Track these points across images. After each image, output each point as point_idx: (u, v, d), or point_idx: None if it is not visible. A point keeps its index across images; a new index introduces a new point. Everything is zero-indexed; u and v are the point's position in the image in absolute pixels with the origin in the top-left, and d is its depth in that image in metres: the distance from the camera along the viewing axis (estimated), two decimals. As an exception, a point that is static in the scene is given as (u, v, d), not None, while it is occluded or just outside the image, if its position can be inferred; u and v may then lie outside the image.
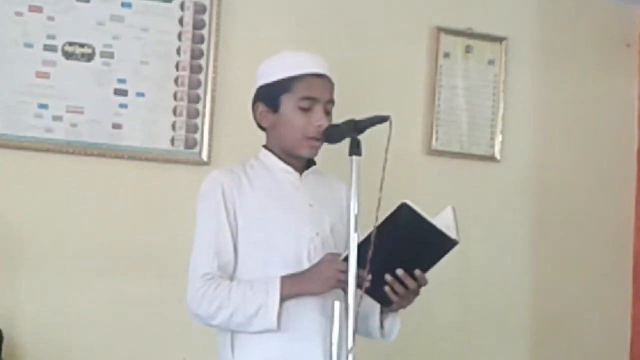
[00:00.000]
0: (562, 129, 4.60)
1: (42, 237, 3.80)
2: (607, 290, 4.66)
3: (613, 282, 4.68)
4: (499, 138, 4.48)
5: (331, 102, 3.05)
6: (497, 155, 4.50)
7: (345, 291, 2.66)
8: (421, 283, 2.87)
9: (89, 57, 3.87)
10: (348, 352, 2.60)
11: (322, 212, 3.07)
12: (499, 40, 4.47)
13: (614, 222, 4.68)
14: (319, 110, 3.01)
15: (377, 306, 3.00)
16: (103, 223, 3.88)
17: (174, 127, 3.98)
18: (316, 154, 3.08)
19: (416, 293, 2.90)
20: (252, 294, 2.91)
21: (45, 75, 3.80)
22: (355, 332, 2.63)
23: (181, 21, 3.99)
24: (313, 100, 3.01)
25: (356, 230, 2.67)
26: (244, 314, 2.91)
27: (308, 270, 2.94)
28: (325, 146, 3.01)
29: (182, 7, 3.99)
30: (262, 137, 3.16)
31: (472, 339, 4.36)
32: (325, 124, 2.98)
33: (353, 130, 2.77)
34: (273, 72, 3.08)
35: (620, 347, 4.68)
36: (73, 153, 3.83)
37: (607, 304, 4.66)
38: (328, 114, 3.03)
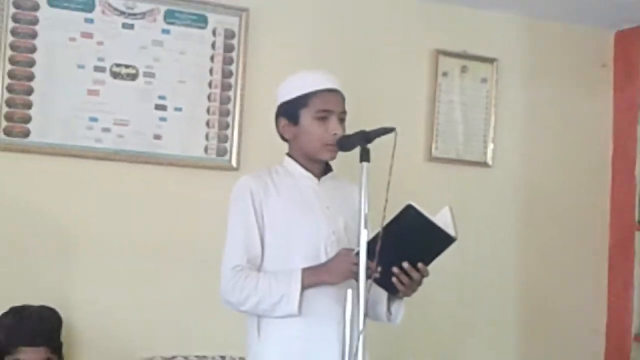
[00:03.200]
0: (546, 138, 4.59)
1: (93, 233, 3.79)
2: (586, 282, 4.64)
3: (591, 275, 4.66)
4: (490, 146, 4.47)
5: (344, 112, 3.05)
6: (489, 161, 4.49)
7: (357, 281, 2.68)
8: (423, 274, 2.87)
9: (133, 77, 3.85)
10: (359, 334, 2.61)
11: (337, 213, 3.06)
12: (491, 61, 4.48)
13: (591, 221, 4.66)
14: (333, 120, 3.00)
15: (385, 294, 2.99)
16: (145, 221, 3.87)
17: (207, 137, 3.96)
18: (334, 157, 3.06)
19: (419, 283, 2.89)
20: (276, 284, 2.91)
21: (95, 93, 3.79)
22: (365, 316, 2.63)
23: (213, 45, 3.97)
24: (328, 111, 2.99)
25: (366, 227, 2.66)
26: (269, 301, 2.91)
27: (325, 263, 2.94)
28: (340, 153, 3.00)
29: (213, 33, 3.97)
30: (283, 144, 3.15)
31: (466, 327, 4.35)
32: (339, 131, 2.98)
33: (363, 140, 2.78)
34: (292, 89, 3.07)
35: (598, 332, 4.66)
36: (119, 160, 3.83)
37: (585, 294, 4.64)
38: (342, 121, 3.04)
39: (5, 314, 3.40)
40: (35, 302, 3.47)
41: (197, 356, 3.83)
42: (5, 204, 3.68)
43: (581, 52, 4.66)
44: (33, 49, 3.72)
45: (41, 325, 3.40)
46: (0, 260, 3.66)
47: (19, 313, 3.40)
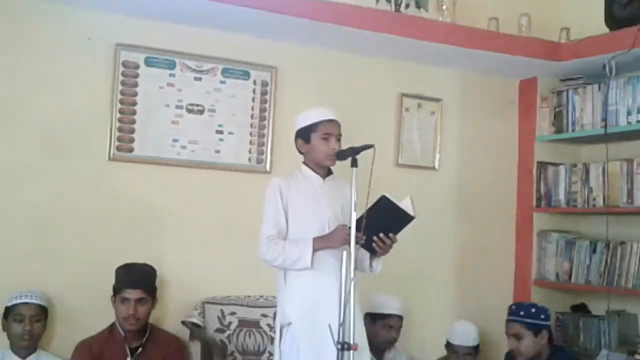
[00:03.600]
0: (474, 151, 4.56)
1: (176, 217, 3.80)
2: (501, 246, 4.62)
3: (504, 241, 4.64)
4: (437, 156, 4.45)
5: (340, 134, 3.10)
6: (436, 167, 4.46)
7: (349, 245, 2.74)
8: (393, 241, 2.96)
9: (201, 112, 3.86)
10: (350, 280, 2.68)
11: (335, 201, 3.11)
12: (437, 100, 4.45)
13: (504, 205, 4.64)
14: (333, 140, 3.07)
15: (367, 254, 3.05)
16: (210, 208, 3.86)
17: (249, 151, 3.97)
18: (334, 164, 3.11)
19: (390, 246, 2.98)
20: (296, 248, 2.98)
21: (176, 123, 3.82)
22: (355, 268, 2.71)
23: (254, 91, 3.97)
24: (329, 134, 3.06)
25: (355, 210, 2.76)
26: (291, 260, 2.97)
27: (328, 234, 3.01)
28: (337, 162, 3.07)
29: (254, 82, 3.96)
30: (299, 156, 3.20)
31: (421, 273, 4.34)
32: (337, 147, 3.06)
33: (353, 153, 2.86)
34: (306, 119, 3.13)
35: (509, 279, 4.65)
36: (192, 167, 3.85)
37: (500, 254, 4.62)
38: (338, 141, 3.09)
39: (119, 267, 3.43)
40: (140, 259, 3.50)
41: (244, 295, 3.85)
42: (117, 197, 3.70)
43: (497, 94, 4.65)
44: (135, 94, 3.74)
45: (139, 275, 3.43)
46: (118, 235, 3.65)
47: (126, 267, 3.44)
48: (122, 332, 3.38)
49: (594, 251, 4.30)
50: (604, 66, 4.08)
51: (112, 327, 3.42)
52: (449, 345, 4.03)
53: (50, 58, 3.58)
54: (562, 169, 4.51)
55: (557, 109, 4.49)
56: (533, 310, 3.57)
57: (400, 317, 3.85)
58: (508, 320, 3.62)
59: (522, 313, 3.55)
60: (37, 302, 3.30)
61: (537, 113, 4.59)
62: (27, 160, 3.52)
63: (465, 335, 4.00)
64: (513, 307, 3.70)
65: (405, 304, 3.90)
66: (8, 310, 3.26)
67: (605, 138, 4.15)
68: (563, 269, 4.45)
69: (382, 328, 3.76)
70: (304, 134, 3.12)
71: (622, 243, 4.14)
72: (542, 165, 4.59)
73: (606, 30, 4.08)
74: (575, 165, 4.46)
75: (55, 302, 3.48)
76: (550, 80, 4.58)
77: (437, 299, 4.45)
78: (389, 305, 3.80)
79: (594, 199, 4.29)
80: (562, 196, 4.48)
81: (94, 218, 3.63)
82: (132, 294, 3.34)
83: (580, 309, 4.45)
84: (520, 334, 3.51)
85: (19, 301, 3.26)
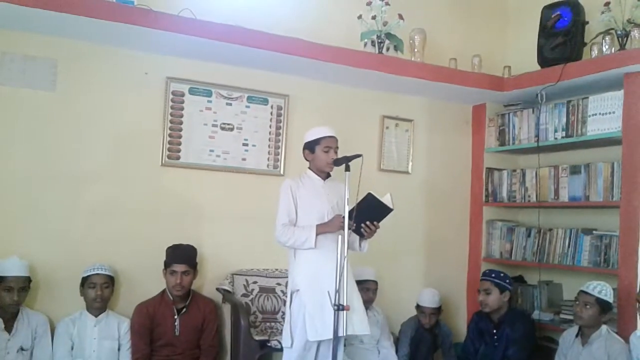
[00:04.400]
0: (438, 160, 4.54)
1: (212, 208, 3.78)
2: (458, 231, 4.60)
3: (461, 227, 4.62)
4: (410, 164, 4.43)
5: (337, 147, 3.10)
6: (410, 171, 4.43)
7: (344, 230, 2.74)
8: (377, 228, 2.97)
9: (231, 129, 3.84)
10: (344, 258, 2.69)
11: (333, 197, 3.10)
12: (410, 121, 4.41)
13: (461, 201, 4.61)
14: (332, 152, 3.08)
15: (357, 237, 3.05)
16: (239, 202, 3.84)
17: (268, 159, 3.94)
18: (332, 170, 3.12)
19: (375, 232, 2.99)
20: (303, 232, 2.98)
21: (212, 137, 3.80)
22: (348, 248, 2.72)
23: (271, 113, 3.95)
24: (329, 147, 3.07)
25: (348, 205, 2.80)
26: (300, 241, 2.97)
27: (328, 222, 3.01)
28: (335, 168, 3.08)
29: (271, 107, 3.93)
30: (306, 163, 3.21)
31: (398, 251, 4.32)
32: (335, 157, 3.06)
33: (346, 160, 2.90)
34: (311, 135, 3.13)
35: (464, 256, 4.63)
36: (225, 171, 3.83)
37: (458, 237, 4.60)
38: (336, 152, 3.09)
39: (168, 247, 3.43)
40: (185, 241, 3.51)
41: (263, 268, 3.85)
42: (167, 194, 3.69)
43: (455, 116, 4.62)
44: (181, 115, 3.73)
45: (185, 252, 3.43)
46: (167, 223, 3.64)
47: (175, 246, 3.44)
48: (171, 297, 3.38)
49: (529, 235, 4.30)
50: (537, 95, 4.10)
51: (163, 293, 3.42)
52: (418, 307, 4.03)
53: (117, 88, 3.58)
54: (504, 173, 4.50)
55: (501, 128, 4.48)
56: (502, 275, 3.65)
57: (375, 282, 3.84)
58: (482, 279, 3.68)
59: (493, 275, 3.63)
60: (107, 272, 3.31)
61: (486, 130, 4.58)
62: (96, 167, 3.53)
63: (431, 298, 4.00)
64: (487, 270, 3.78)
65: (383, 273, 3.89)
66: (84, 280, 3.28)
67: (538, 150, 4.17)
68: (505, 249, 4.45)
69: (361, 291, 3.72)
70: (310, 146, 3.13)
71: (550, 229, 4.14)
72: (490, 170, 4.57)
73: (538, 67, 4.10)
74: (515, 170, 4.45)
75: (120, 273, 3.50)
76: (496, 105, 4.57)
77: (409, 271, 4.43)
78: (365, 273, 3.77)
79: (529, 196, 4.29)
80: (505, 194, 4.47)
81: (149, 210, 3.62)
82: (179, 267, 3.33)
83: (518, 280, 4.44)
84: (489, 289, 3.58)
85: (92, 272, 3.27)
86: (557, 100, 4.07)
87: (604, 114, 3.72)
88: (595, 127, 3.77)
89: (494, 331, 3.61)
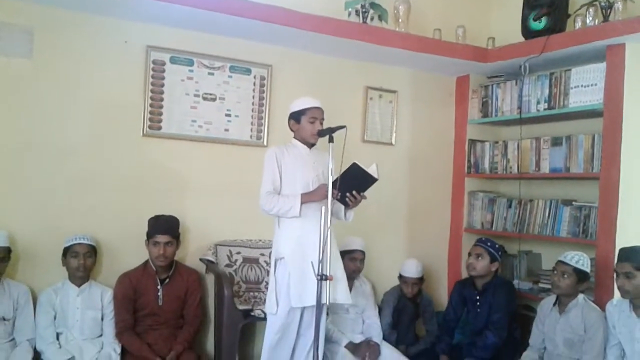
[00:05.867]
0: (421, 131, 4.55)
1: (195, 178, 3.78)
2: (440, 201, 4.65)
3: (443, 198, 4.67)
4: (394, 135, 4.45)
5: (323, 118, 3.10)
6: (393, 142, 4.43)
7: (328, 199, 2.75)
8: (362, 197, 2.99)
9: (213, 99, 3.81)
10: (329, 227, 2.71)
11: (318, 166, 3.11)
12: (394, 92, 4.42)
13: (443, 171, 4.65)
14: (317, 123, 3.08)
15: (342, 207, 3.07)
16: (221, 172, 3.84)
17: (251, 130, 3.92)
18: (316, 141, 3.12)
19: (359, 202, 3.01)
20: (288, 201, 2.98)
21: (195, 108, 3.77)
22: (332, 217, 2.74)
23: (254, 83, 3.91)
24: (315, 118, 3.08)
25: (332, 174, 2.79)
26: (284, 209, 2.98)
27: (312, 191, 3.02)
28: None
29: (254, 77, 3.90)
30: (290, 133, 3.21)
31: (380, 220, 4.36)
32: (320, 128, 3.06)
33: (330, 131, 2.88)
34: (297, 106, 3.12)
35: (446, 226, 4.70)
36: (207, 142, 3.81)
37: (440, 207, 4.66)
38: (321, 123, 3.09)
39: (151, 218, 3.42)
40: (168, 212, 3.50)
41: (247, 239, 3.86)
42: (149, 164, 3.67)
43: (439, 87, 4.63)
44: (162, 85, 3.69)
45: (167, 223, 3.41)
46: (149, 194, 3.64)
47: (157, 217, 3.43)
48: (154, 267, 3.39)
49: (510, 206, 4.37)
50: (520, 67, 4.13)
51: (146, 263, 3.43)
52: (400, 277, 4.09)
53: (95, 57, 3.53)
54: (487, 144, 4.54)
55: (484, 99, 4.51)
56: (496, 245, 3.71)
57: (362, 252, 3.87)
58: (477, 244, 3.72)
59: (488, 243, 3.69)
60: (88, 242, 3.31)
61: (469, 102, 4.59)
62: (76, 137, 3.49)
63: (413, 269, 4.05)
64: (484, 238, 3.83)
65: (367, 243, 3.92)
66: (66, 250, 3.27)
67: (520, 121, 4.20)
68: (487, 219, 4.51)
69: (349, 261, 3.78)
70: (295, 117, 3.12)
71: (531, 201, 4.21)
72: (472, 142, 4.61)
73: (522, 39, 4.11)
74: (497, 142, 4.50)
75: (102, 244, 3.50)
76: (479, 77, 4.59)
77: (392, 241, 4.47)
78: (353, 243, 3.81)
79: (511, 167, 4.34)
80: (487, 165, 4.53)
81: (131, 181, 3.60)
82: (161, 238, 3.32)
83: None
84: (481, 255, 3.63)
85: (74, 242, 3.26)
86: (540, 72, 4.10)
87: (586, 86, 3.76)
88: (578, 99, 3.81)
89: (477, 298, 3.67)
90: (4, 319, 3.06)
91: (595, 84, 3.71)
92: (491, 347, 3.51)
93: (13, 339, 3.09)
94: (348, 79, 4.27)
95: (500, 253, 3.69)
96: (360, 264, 3.87)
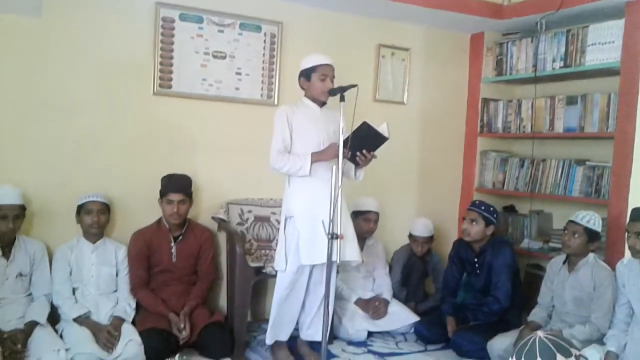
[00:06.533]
0: (435, 89, 4.52)
1: (206, 137, 3.79)
2: (452, 160, 4.65)
3: (455, 157, 4.67)
4: (405, 94, 4.41)
5: (334, 76, 3.08)
6: (405, 102, 4.40)
7: (338, 158, 2.74)
8: (372, 157, 3.00)
9: (224, 57, 3.79)
10: (339, 187, 2.71)
11: (328, 125, 3.10)
12: (406, 49, 4.37)
13: (456, 130, 4.64)
14: (328, 80, 3.06)
15: (352, 166, 3.09)
16: (233, 131, 3.84)
17: (262, 89, 3.90)
18: (327, 99, 3.10)
19: (370, 161, 3.02)
20: (298, 159, 3.00)
21: (205, 66, 3.75)
22: (342, 176, 2.74)
23: (264, 41, 3.88)
24: (326, 75, 3.06)
25: (342, 133, 2.75)
26: (295, 168, 3.01)
27: (323, 150, 3.04)
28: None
29: (264, 34, 3.87)
30: (300, 91, 3.20)
31: (391, 180, 4.37)
32: (331, 86, 3.05)
33: (341, 90, 2.83)
34: (308, 63, 3.10)
35: (457, 185, 4.70)
36: (218, 101, 3.79)
37: (452, 166, 4.65)
38: (332, 81, 3.07)
39: (164, 177, 3.45)
40: (180, 171, 3.53)
41: (258, 198, 3.89)
42: (160, 123, 3.68)
43: (453, 45, 4.58)
44: (172, 43, 3.67)
45: (181, 182, 3.45)
46: (161, 152, 3.66)
47: (170, 176, 3.46)
48: (167, 225, 3.44)
49: (522, 166, 4.35)
50: (536, 24, 4.05)
51: (159, 221, 3.48)
52: (411, 236, 4.13)
53: (104, 15, 3.51)
54: (500, 103, 4.50)
55: (498, 57, 4.45)
56: (491, 209, 3.62)
57: (377, 213, 3.91)
58: (470, 209, 3.65)
59: (482, 207, 3.61)
60: (102, 200, 3.35)
61: (483, 60, 4.54)
62: (87, 95, 3.50)
63: (423, 228, 4.10)
64: (477, 201, 3.75)
65: (380, 204, 3.95)
66: (80, 207, 3.32)
67: (535, 80, 4.15)
68: (498, 179, 4.51)
69: (362, 222, 3.83)
70: (306, 74, 3.10)
71: (544, 160, 4.19)
72: (486, 100, 4.57)
73: (539, -6, 4.02)
74: (510, 101, 4.45)
75: (116, 202, 3.54)
76: (494, 34, 4.52)
77: (403, 200, 4.50)
78: (367, 204, 3.86)
79: (524, 126, 4.31)
80: (499, 124, 4.50)
81: (142, 139, 3.63)
82: (175, 196, 3.36)
83: (510, 209, 4.55)
84: (475, 220, 3.58)
85: (88, 200, 3.31)
86: (557, 29, 4.02)
87: (604, 44, 3.69)
88: (594, 57, 3.74)
89: (475, 260, 3.66)
90: (21, 275, 3.14)
91: (613, 42, 3.63)
92: (498, 311, 3.51)
93: (30, 294, 3.16)
94: (360, 36, 4.23)
95: (495, 215, 3.61)
96: (374, 224, 3.91)
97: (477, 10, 4.15)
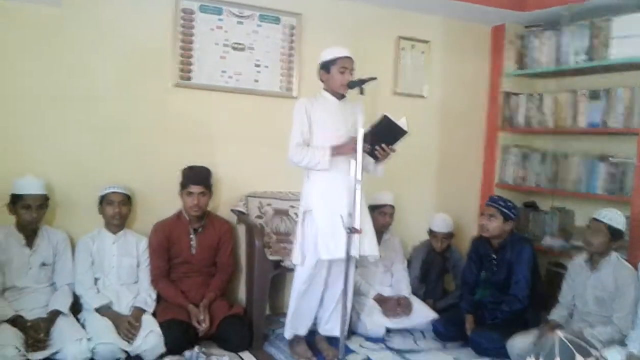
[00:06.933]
0: (455, 82, 4.49)
1: (226, 129, 3.80)
2: (472, 156, 4.62)
3: (475, 153, 4.63)
4: (426, 87, 4.38)
5: (353, 69, 3.07)
6: (425, 95, 4.37)
7: (357, 152, 2.74)
8: (392, 151, 2.99)
9: (243, 49, 3.79)
10: (357, 182, 2.71)
11: (348, 118, 3.08)
12: (426, 42, 4.33)
13: (476, 125, 4.59)
14: (347, 73, 3.04)
15: (371, 160, 3.07)
16: (252, 123, 3.85)
17: (280, 81, 3.90)
18: (346, 92, 3.09)
19: (389, 155, 3.01)
20: (317, 153, 3.00)
21: (224, 58, 3.76)
22: (362, 170, 2.74)
23: (284, 33, 3.88)
24: (345, 68, 3.04)
25: (362, 127, 2.75)
26: (314, 162, 3.00)
27: (342, 144, 3.02)
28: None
29: (284, 26, 3.87)
30: (319, 84, 3.19)
31: (411, 174, 4.36)
32: (350, 79, 3.03)
33: (360, 83, 2.84)
34: (327, 55, 3.08)
35: (477, 179, 4.67)
36: (237, 93, 3.80)
37: (472, 161, 4.62)
38: (351, 73, 3.05)
39: (184, 169, 3.48)
40: (199, 163, 3.55)
41: (277, 191, 3.89)
42: (181, 115, 3.70)
43: (473, 37, 4.54)
44: (192, 34, 3.68)
45: (201, 174, 3.46)
46: (181, 144, 3.67)
47: (190, 168, 3.48)
48: (187, 217, 3.47)
49: (544, 162, 4.31)
50: (560, 16, 3.99)
51: (179, 213, 3.51)
52: (430, 232, 4.12)
53: (125, 5, 3.53)
54: (522, 97, 4.45)
55: (520, 50, 4.41)
56: (509, 204, 3.57)
57: (392, 207, 3.90)
58: (488, 204, 3.60)
59: (501, 202, 3.56)
60: (123, 191, 3.39)
61: (505, 53, 4.49)
62: (107, 86, 3.53)
63: (443, 223, 4.08)
64: (495, 196, 3.71)
65: (397, 198, 3.94)
66: (102, 198, 3.37)
67: (557, 74, 4.10)
68: (519, 175, 4.47)
69: (379, 215, 3.82)
70: (325, 66, 3.09)
71: (566, 156, 4.15)
72: (507, 94, 4.53)
73: (564, -14, 3.97)
74: (532, 95, 4.40)
75: (137, 193, 3.57)
76: (516, 26, 4.47)
77: (422, 196, 4.48)
78: (383, 198, 3.85)
79: (546, 121, 4.26)
80: (521, 119, 4.45)
81: (162, 131, 3.65)
82: (195, 188, 3.38)
83: (531, 206, 4.51)
84: (494, 215, 3.53)
85: (110, 190, 3.35)
86: (580, 22, 3.96)
87: (628, 37, 3.63)
88: (618, 51, 3.68)
89: (494, 256, 3.61)
90: (45, 264, 3.19)
91: (638, 35, 3.57)
92: (517, 311, 3.47)
93: (53, 283, 3.22)
94: (380, 28, 4.20)
95: (514, 211, 3.55)
96: (390, 218, 3.91)
97: (499, 2, 4.10)
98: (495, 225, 3.53)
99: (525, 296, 3.48)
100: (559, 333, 1.74)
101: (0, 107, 3.30)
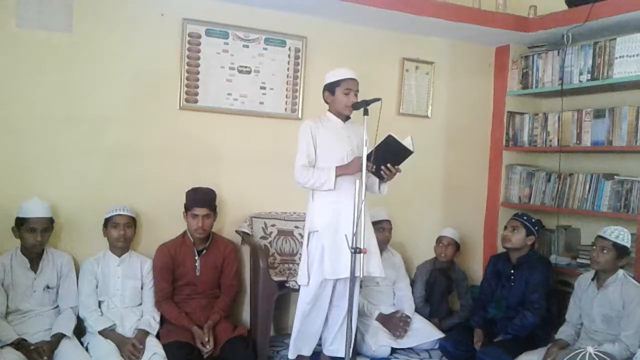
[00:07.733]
0: (459, 103, 4.51)
1: (231, 151, 3.82)
2: (477, 175, 4.62)
3: (480, 172, 4.64)
4: (430, 108, 4.41)
5: (357, 90, 3.09)
6: (429, 115, 4.40)
7: (362, 172, 2.75)
8: (397, 170, 2.99)
9: (249, 72, 3.83)
10: (362, 201, 2.71)
11: (352, 139, 3.12)
12: (430, 63, 4.37)
13: (480, 144, 4.60)
14: (352, 94, 3.07)
15: (377, 180, 3.08)
16: (257, 144, 3.87)
17: (286, 103, 3.94)
18: (351, 113, 3.11)
19: (394, 175, 3.01)
20: (323, 174, 3.01)
21: (230, 81, 3.80)
22: (366, 191, 2.74)
23: (289, 55, 3.92)
24: (350, 89, 3.07)
25: (366, 146, 2.76)
26: (319, 182, 3.01)
27: (347, 164, 3.05)
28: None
29: (289, 49, 3.90)
30: (324, 105, 3.21)
31: (416, 194, 4.37)
32: (354, 100, 3.05)
33: (365, 104, 2.86)
34: (332, 77, 3.12)
35: (482, 200, 4.67)
36: (242, 115, 3.83)
37: (476, 181, 4.63)
38: (356, 95, 3.08)
39: (189, 190, 3.47)
40: (204, 184, 3.55)
41: (281, 211, 3.91)
42: (186, 137, 3.72)
43: (477, 58, 4.57)
44: (198, 58, 3.72)
45: (206, 196, 3.45)
46: (186, 166, 3.70)
47: (195, 190, 3.47)
48: (192, 239, 3.46)
49: (549, 180, 4.30)
50: (563, 36, 4.02)
51: (184, 234, 3.50)
52: (437, 240, 4.16)
53: (133, 30, 3.59)
54: (526, 117, 4.46)
55: (524, 70, 4.42)
56: (533, 220, 3.65)
57: (389, 221, 3.91)
58: (513, 218, 3.67)
59: (525, 217, 3.63)
60: (128, 213, 3.39)
61: (509, 73, 4.51)
62: (114, 109, 3.56)
63: (451, 230, 4.16)
64: (520, 212, 3.76)
65: (402, 216, 3.98)
66: (107, 221, 3.37)
67: (561, 93, 4.11)
68: (524, 193, 4.46)
69: (378, 232, 3.76)
70: (330, 88, 3.12)
71: (571, 174, 4.14)
72: (511, 114, 4.54)
73: (565, 7, 4.00)
74: (537, 114, 4.41)
75: (142, 215, 3.59)
76: (520, 47, 4.50)
77: (428, 215, 4.47)
78: (378, 214, 3.84)
79: (551, 140, 4.26)
80: (525, 138, 4.46)
81: (168, 153, 3.67)
82: (200, 211, 3.37)
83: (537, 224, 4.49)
84: (517, 228, 3.60)
85: (115, 213, 3.35)
86: (584, 42, 3.99)
87: (632, 56, 3.64)
88: (622, 70, 3.70)
89: (511, 271, 3.63)
90: (49, 287, 3.18)
91: (641, 54, 3.59)
92: (530, 326, 3.46)
93: (57, 306, 3.20)
94: (384, 50, 4.24)
95: (537, 228, 3.62)
96: (389, 233, 3.92)
97: (503, 24, 4.13)
98: (518, 238, 3.59)
99: (538, 312, 3.48)
100: (590, 349, 1.74)
101: (9, 129, 3.33)
